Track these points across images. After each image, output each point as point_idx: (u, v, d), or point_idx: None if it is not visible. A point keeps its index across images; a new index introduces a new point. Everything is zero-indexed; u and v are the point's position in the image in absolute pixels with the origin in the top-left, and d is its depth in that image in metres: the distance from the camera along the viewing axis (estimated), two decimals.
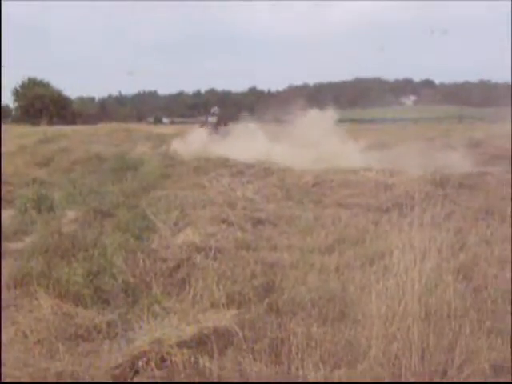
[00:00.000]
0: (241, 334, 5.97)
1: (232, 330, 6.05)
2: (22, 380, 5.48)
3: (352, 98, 51.33)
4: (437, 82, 67.54)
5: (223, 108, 38.77)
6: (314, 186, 15.36)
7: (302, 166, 19.06)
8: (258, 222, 11.25)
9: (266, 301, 7.07)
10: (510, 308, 6.74)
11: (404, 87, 62.47)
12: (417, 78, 66.37)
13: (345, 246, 9.42)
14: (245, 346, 5.83)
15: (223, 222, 10.72)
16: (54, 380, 5.45)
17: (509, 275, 7.75)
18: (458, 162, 19.59)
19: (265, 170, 18.39)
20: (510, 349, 5.65)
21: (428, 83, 67.51)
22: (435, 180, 14.82)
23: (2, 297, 7.51)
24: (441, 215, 9.72)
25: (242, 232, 10.23)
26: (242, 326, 6.16)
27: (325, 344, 5.84)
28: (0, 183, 15.81)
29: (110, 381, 5.47)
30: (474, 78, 68.52)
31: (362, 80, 57.35)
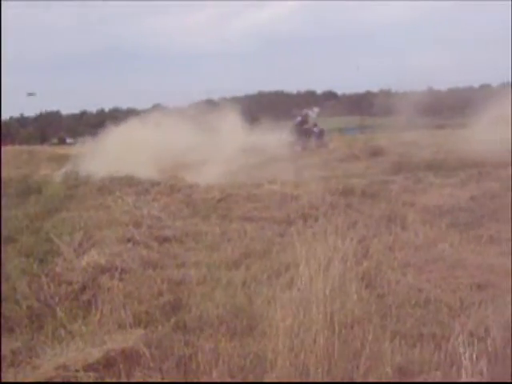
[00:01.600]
0: (148, 354, 5.92)
1: (139, 350, 5.99)
2: None
3: (256, 112, 51.42)
4: (339, 92, 68.64)
5: None
6: (219, 200, 15.36)
7: (209, 181, 19.07)
8: (165, 239, 11.16)
9: (173, 319, 7.04)
10: (412, 311, 6.92)
11: (307, 99, 63.17)
12: (319, 90, 67.29)
13: (251, 260, 9.46)
14: (152, 365, 5.79)
15: (128, 241, 10.61)
16: None
17: (410, 280, 7.94)
18: (361, 171, 19.98)
19: (171, 187, 18.29)
20: (412, 351, 5.78)
21: (331, 94, 68.58)
22: (339, 190, 15.03)
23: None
24: (344, 224, 9.86)
25: (148, 250, 10.14)
26: (149, 346, 6.11)
27: (233, 358, 5.84)
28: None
29: None
30: (375, 88, 69.93)
31: (265, 94, 57.78)
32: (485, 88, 57.80)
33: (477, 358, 5.13)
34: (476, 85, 61.83)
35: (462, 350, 5.19)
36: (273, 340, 5.63)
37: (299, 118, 38.42)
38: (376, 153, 24.71)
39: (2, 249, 9.86)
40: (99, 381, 5.59)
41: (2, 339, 6.81)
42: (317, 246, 7.13)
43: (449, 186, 15.88)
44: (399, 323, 6.59)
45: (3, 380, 5.58)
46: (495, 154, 20.77)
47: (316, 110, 45.58)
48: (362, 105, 59.68)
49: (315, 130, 37.36)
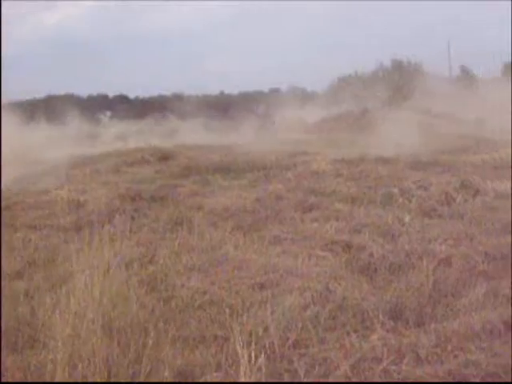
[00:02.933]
0: None
1: None
2: None
3: (46, 115, 49.99)
4: (131, 96, 68.13)
5: None
6: (5, 209, 14.80)
7: None
8: None
9: None
10: (195, 314, 7.02)
11: (99, 103, 62.25)
12: (111, 94, 66.42)
13: (35, 269, 9.21)
14: None
15: None
16: None
17: (195, 283, 8.04)
18: (151, 175, 20.01)
19: None
20: (194, 354, 5.87)
21: (123, 98, 67.90)
22: (127, 195, 14.95)
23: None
24: (131, 229, 9.84)
25: None
26: None
27: (15, 373, 5.67)
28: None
29: None
30: (168, 92, 69.97)
31: (54, 97, 56.23)
32: (274, 92, 59.80)
33: (255, 356, 5.27)
34: (266, 89, 63.55)
35: (240, 349, 5.32)
36: (53, 351, 5.52)
37: None
38: (166, 157, 24.73)
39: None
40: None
41: None
42: (102, 252, 7.08)
43: (236, 188, 16.19)
44: (182, 327, 6.65)
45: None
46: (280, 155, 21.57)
47: (108, 113, 45.26)
48: (155, 108, 59.58)
49: None
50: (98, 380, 5.12)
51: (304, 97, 53.40)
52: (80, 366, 5.17)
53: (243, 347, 5.32)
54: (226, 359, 5.73)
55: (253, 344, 5.47)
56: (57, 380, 5.20)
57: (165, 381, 5.23)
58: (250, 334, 5.98)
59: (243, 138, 33.47)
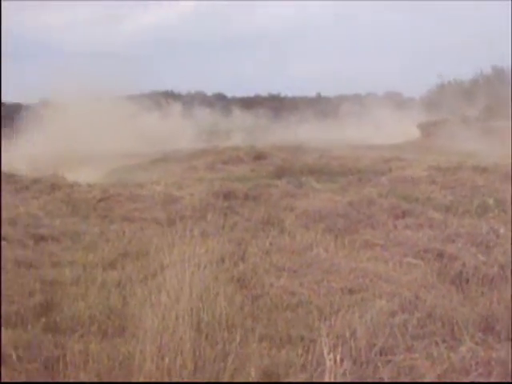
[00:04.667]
0: (14, 355, 5.81)
1: (5, 351, 5.87)
2: None
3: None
4: (229, 95, 68.78)
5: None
6: (100, 200, 15.16)
7: (91, 181, 18.88)
8: (41, 238, 10.96)
9: (44, 319, 6.93)
10: (283, 314, 7.03)
11: (198, 101, 62.97)
12: (209, 92, 67.13)
13: (128, 261, 9.41)
14: (18, 367, 5.68)
15: (3, 239, 10.36)
16: None
17: (284, 283, 8.06)
18: (245, 174, 20.16)
19: (51, 185, 17.91)
20: (280, 353, 5.88)
21: (221, 96, 68.51)
22: (221, 192, 15.10)
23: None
24: (224, 226, 9.94)
25: (23, 249, 9.95)
26: (16, 347, 6.00)
27: (102, 360, 5.80)
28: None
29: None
30: (264, 92, 70.46)
31: (156, 93, 57.23)
32: (371, 96, 59.39)
33: (341, 360, 5.25)
34: (363, 92, 63.11)
35: (326, 352, 5.30)
36: (142, 342, 5.63)
37: None
38: (260, 156, 24.91)
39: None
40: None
41: None
42: (195, 248, 7.17)
43: (329, 190, 16.16)
44: (269, 326, 6.67)
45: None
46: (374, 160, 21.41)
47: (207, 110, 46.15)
48: (252, 107, 60.05)
49: None
50: (185, 373, 5.19)
51: (400, 102, 52.95)
52: (167, 358, 5.25)
53: (329, 350, 5.31)
54: (312, 361, 5.72)
55: (339, 347, 5.45)
56: (145, 371, 5.30)
57: (250, 380, 5.26)
58: (337, 337, 5.96)
59: (336, 140, 33.41)
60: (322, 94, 70.07)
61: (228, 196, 14.98)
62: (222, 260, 8.63)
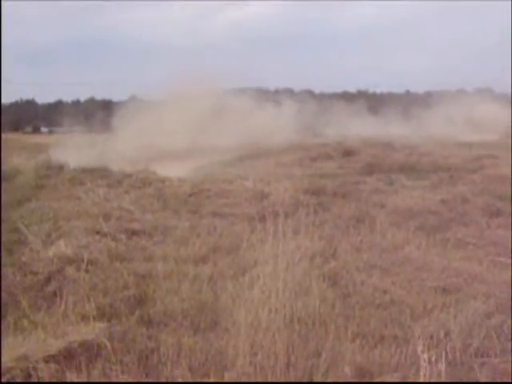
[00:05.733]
0: (109, 347, 5.91)
1: (101, 342, 5.98)
2: None
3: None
4: (316, 91, 68.58)
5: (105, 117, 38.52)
6: (191, 195, 15.33)
7: (180, 175, 19.11)
8: (133, 232, 11.13)
9: (138, 312, 7.04)
10: (375, 313, 6.95)
11: (285, 96, 62.93)
12: (297, 88, 67.03)
13: (219, 256, 9.46)
14: (113, 359, 5.78)
15: (97, 233, 10.57)
16: None
17: (376, 281, 7.98)
18: (334, 170, 20.07)
19: (142, 180, 18.22)
20: (373, 352, 5.81)
21: (308, 92, 68.28)
22: (310, 189, 15.07)
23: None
24: (314, 223, 9.89)
25: (116, 243, 10.12)
26: (112, 339, 6.10)
27: (195, 354, 5.85)
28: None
29: None
30: (352, 88, 70.21)
31: (243, 89, 57.44)
32: (461, 92, 58.41)
33: (436, 360, 5.17)
34: (452, 89, 62.09)
35: (421, 352, 5.22)
36: (234, 337, 5.65)
37: None
38: (349, 153, 24.79)
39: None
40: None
41: None
42: (285, 244, 7.16)
43: (420, 188, 15.95)
44: (362, 324, 6.61)
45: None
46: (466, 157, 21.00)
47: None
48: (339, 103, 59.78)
49: None
50: (278, 370, 5.19)
51: (493, 98, 51.85)
52: (260, 354, 5.26)
53: (423, 350, 5.22)
54: (405, 360, 5.65)
55: (433, 348, 5.36)
56: (238, 366, 5.32)
57: (343, 379, 5.23)
58: (431, 338, 5.87)
59: (427, 137, 32.95)
60: (411, 90, 69.25)
61: (317, 192, 14.94)
62: (313, 257, 8.60)
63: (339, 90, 70.29)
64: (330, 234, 10.41)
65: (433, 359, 5.16)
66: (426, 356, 5.15)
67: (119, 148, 26.93)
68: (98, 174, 20.25)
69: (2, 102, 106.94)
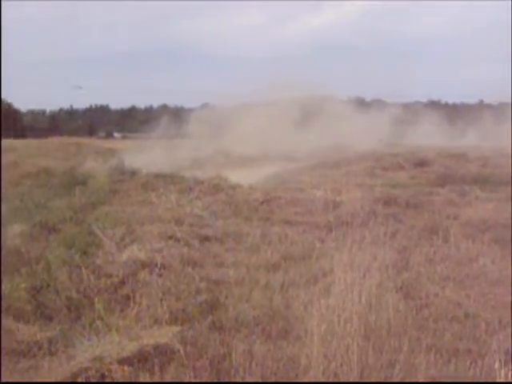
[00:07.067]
0: (182, 351, 5.96)
1: (173, 346, 6.03)
2: None
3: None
4: (389, 101, 68.20)
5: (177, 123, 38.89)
6: (262, 203, 15.37)
7: (252, 182, 19.21)
8: (205, 238, 11.23)
9: (210, 318, 7.08)
10: (449, 326, 6.85)
11: (355, 105, 62.74)
12: (368, 98, 66.72)
13: (290, 264, 9.46)
14: (186, 363, 5.82)
15: (170, 238, 10.68)
16: None
17: (449, 294, 7.86)
18: (405, 180, 19.89)
19: (214, 187, 18.35)
20: (447, 366, 5.73)
21: (380, 103, 67.87)
22: (382, 199, 14.95)
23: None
24: (386, 234, 9.81)
25: (189, 248, 10.21)
26: (184, 343, 6.15)
27: (266, 361, 5.84)
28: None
29: None
30: (424, 99, 69.64)
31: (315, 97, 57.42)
32: None
33: None
34: None
35: (497, 367, 5.12)
36: (307, 345, 5.63)
37: None
38: (421, 163, 24.52)
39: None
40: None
41: (40, 326, 6.91)
42: (356, 254, 7.12)
43: (495, 200, 15.66)
44: (435, 337, 6.53)
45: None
46: None
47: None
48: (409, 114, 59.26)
49: None
50: (351, 380, 5.15)
51: None
52: (335, 362, 5.23)
53: (500, 366, 5.12)
54: (481, 375, 5.56)
55: (510, 363, 5.25)
56: (310, 374, 5.30)
57: None
58: (507, 353, 5.76)
59: (501, 148, 32.36)
60: (485, 101, 68.17)
61: (389, 203, 14.82)
62: (386, 268, 8.52)
63: (410, 100, 69.41)
64: (402, 244, 10.30)
65: (509, 375, 5.05)
66: (502, 372, 5.05)
67: (192, 154, 27.17)
68: (170, 179, 20.51)
69: (76, 107, 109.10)
